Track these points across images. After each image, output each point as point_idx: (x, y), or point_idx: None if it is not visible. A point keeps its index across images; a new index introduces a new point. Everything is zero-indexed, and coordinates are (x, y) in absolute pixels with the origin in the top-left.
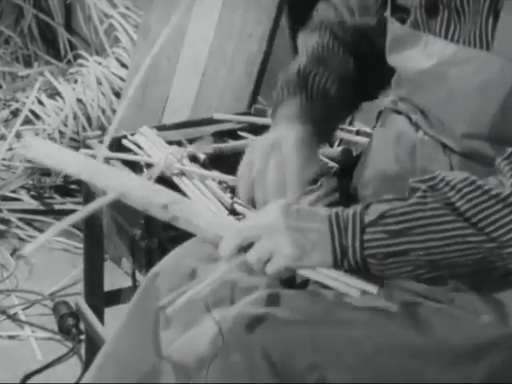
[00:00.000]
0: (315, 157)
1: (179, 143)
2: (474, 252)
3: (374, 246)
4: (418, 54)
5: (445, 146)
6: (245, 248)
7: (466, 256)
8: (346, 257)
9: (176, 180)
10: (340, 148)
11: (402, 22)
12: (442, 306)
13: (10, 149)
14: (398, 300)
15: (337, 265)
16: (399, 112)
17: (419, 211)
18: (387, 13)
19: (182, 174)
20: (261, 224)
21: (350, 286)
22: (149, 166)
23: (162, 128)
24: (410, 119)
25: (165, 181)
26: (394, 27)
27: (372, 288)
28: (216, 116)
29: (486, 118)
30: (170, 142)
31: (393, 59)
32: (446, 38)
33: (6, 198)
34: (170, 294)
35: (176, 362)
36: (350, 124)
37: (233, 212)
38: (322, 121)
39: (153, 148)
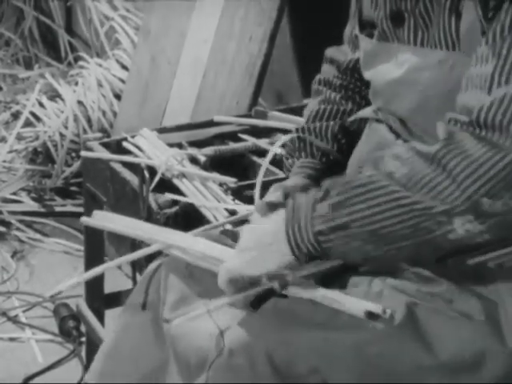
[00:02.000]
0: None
1: (180, 145)
2: (408, 217)
3: (321, 221)
4: (389, 64)
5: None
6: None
7: (401, 223)
8: (301, 239)
9: (176, 182)
10: None
11: (371, 36)
12: (440, 308)
13: (11, 151)
14: (395, 300)
15: (293, 251)
16: (381, 121)
17: (357, 180)
18: (356, 30)
19: (183, 175)
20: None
21: (355, 307)
22: (149, 168)
23: (162, 130)
24: (390, 127)
25: (165, 183)
26: (364, 43)
27: (377, 308)
28: (216, 118)
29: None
30: (171, 145)
31: (367, 74)
32: (415, 44)
33: (6, 200)
34: (176, 310)
35: (180, 360)
36: None
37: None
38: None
39: (153, 150)
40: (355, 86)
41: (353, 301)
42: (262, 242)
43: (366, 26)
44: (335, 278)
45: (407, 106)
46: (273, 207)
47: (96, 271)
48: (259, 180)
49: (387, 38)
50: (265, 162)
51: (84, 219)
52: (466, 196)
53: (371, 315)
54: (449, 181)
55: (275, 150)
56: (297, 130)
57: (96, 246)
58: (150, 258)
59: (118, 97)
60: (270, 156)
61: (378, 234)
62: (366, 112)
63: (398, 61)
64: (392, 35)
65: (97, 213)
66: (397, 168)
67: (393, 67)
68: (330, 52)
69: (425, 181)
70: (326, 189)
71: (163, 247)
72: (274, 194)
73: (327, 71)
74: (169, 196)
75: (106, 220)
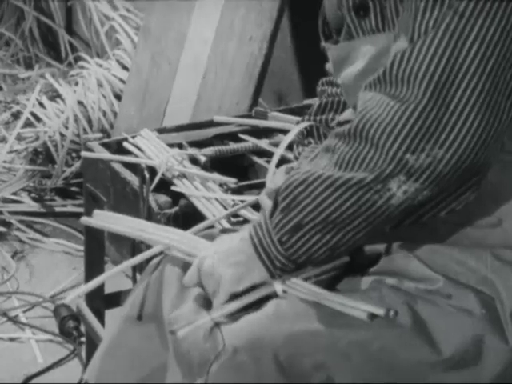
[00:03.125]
0: None
1: (180, 146)
2: (347, 195)
3: (278, 229)
4: (353, 60)
5: None
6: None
7: (344, 202)
8: (272, 255)
9: (177, 182)
10: None
11: (336, 43)
12: (440, 304)
13: (11, 151)
14: (395, 300)
15: (269, 270)
16: None
17: (296, 180)
18: (322, 43)
19: (183, 176)
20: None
21: (358, 309)
22: (150, 168)
23: (162, 130)
24: None
25: (165, 183)
26: (331, 51)
27: (379, 310)
28: (216, 118)
29: None
30: (171, 145)
31: (339, 80)
32: (374, 32)
33: (6, 200)
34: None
35: (182, 359)
36: None
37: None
38: None
39: (154, 150)
40: None
41: (355, 303)
42: (250, 255)
43: (331, 35)
44: (338, 281)
45: None
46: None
47: (102, 279)
48: (272, 165)
49: (352, 34)
50: (279, 150)
51: (84, 219)
52: (389, 158)
53: (374, 318)
54: (369, 148)
55: (289, 139)
56: (302, 119)
57: (96, 246)
58: (151, 260)
59: (118, 97)
60: (284, 144)
61: (330, 220)
62: (345, 115)
63: (361, 54)
64: (357, 29)
65: (97, 212)
66: (329, 158)
67: (358, 63)
68: (328, 66)
69: (350, 157)
70: (274, 199)
71: (163, 248)
72: (283, 177)
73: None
74: (177, 189)
75: (106, 219)
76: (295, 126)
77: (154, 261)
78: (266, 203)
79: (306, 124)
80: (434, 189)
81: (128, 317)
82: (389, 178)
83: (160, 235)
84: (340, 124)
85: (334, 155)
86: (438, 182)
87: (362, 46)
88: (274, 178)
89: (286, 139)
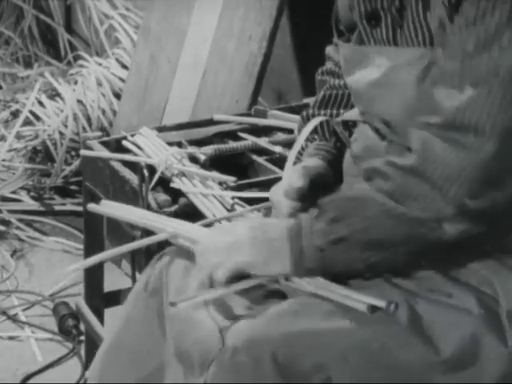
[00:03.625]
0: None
1: (179, 144)
2: (400, 225)
3: (320, 236)
4: (366, 66)
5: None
6: None
7: (395, 230)
8: (304, 256)
9: (176, 181)
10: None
11: (349, 41)
12: (440, 303)
13: (10, 150)
14: (396, 298)
15: (295, 268)
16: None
17: (349, 195)
18: (335, 39)
19: (183, 174)
20: (225, 242)
21: (358, 301)
22: (149, 166)
23: (162, 129)
24: (375, 129)
25: (165, 181)
26: (342, 49)
27: (380, 302)
28: (216, 117)
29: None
30: (170, 143)
31: (348, 80)
32: (390, 44)
33: (6, 199)
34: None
35: (183, 357)
36: None
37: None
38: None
39: (153, 149)
40: None
41: (356, 295)
42: (273, 244)
43: (344, 33)
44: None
45: (388, 108)
46: (300, 193)
47: (96, 259)
48: (291, 157)
49: (363, 40)
50: (296, 145)
51: (91, 206)
52: (449, 201)
53: (374, 310)
54: (430, 189)
55: (306, 133)
56: (305, 115)
57: (96, 245)
58: (150, 253)
59: (117, 96)
60: (302, 138)
61: (375, 241)
62: (352, 114)
63: (375, 63)
64: (368, 37)
65: (104, 202)
66: (382, 182)
67: (371, 70)
68: (329, 50)
69: (408, 192)
70: (321, 206)
71: (169, 236)
72: (294, 176)
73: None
74: (175, 185)
75: (112, 208)
76: (312, 120)
77: (157, 256)
78: (283, 202)
79: (321, 119)
80: (487, 227)
81: (131, 309)
82: (446, 219)
83: (165, 224)
84: (345, 124)
85: (387, 182)
86: (493, 222)
87: (375, 56)
88: (290, 176)
89: (305, 132)
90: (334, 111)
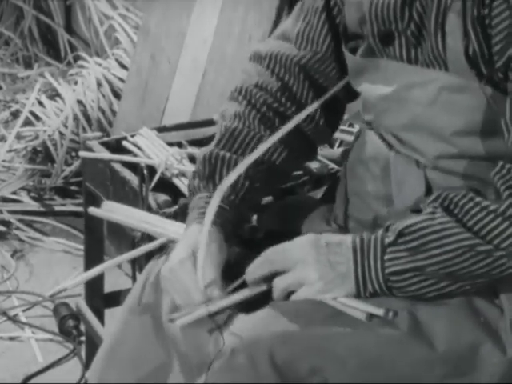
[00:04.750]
0: (224, 249)
1: (179, 144)
2: (483, 260)
3: (396, 263)
4: (377, 80)
5: (418, 161)
6: (269, 278)
7: (476, 264)
8: (370, 279)
9: (176, 181)
10: (340, 149)
11: (355, 50)
12: (440, 309)
13: (10, 150)
14: (396, 304)
15: (359, 290)
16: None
17: (430, 226)
18: (343, 47)
19: (183, 175)
20: (292, 257)
21: (357, 309)
22: (149, 167)
23: (162, 129)
24: (382, 137)
25: (165, 182)
26: (349, 60)
27: (378, 311)
28: (216, 117)
29: (453, 136)
30: (171, 144)
31: (356, 86)
32: (408, 60)
33: (6, 200)
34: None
35: (182, 360)
36: (350, 125)
37: None
38: (236, 208)
39: (153, 149)
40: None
41: (355, 303)
42: (337, 269)
43: (350, 40)
44: None
45: (397, 122)
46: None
47: (99, 269)
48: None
49: (375, 53)
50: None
51: (92, 209)
52: None
53: (372, 319)
54: None
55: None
56: (207, 156)
57: (96, 246)
58: (150, 256)
59: (117, 96)
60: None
61: (453, 274)
62: (355, 118)
63: (387, 76)
64: (381, 52)
65: (106, 203)
66: (462, 216)
67: (382, 83)
68: (285, 29)
69: (497, 232)
70: (397, 233)
71: (168, 241)
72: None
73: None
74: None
75: (114, 210)
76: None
77: (150, 265)
78: (192, 288)
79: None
80: None
81: (128, 316)
82: None
83: (166, 228)
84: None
85: (468, 218)
86: None
87: (389, 69)
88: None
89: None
90: (239, 156)
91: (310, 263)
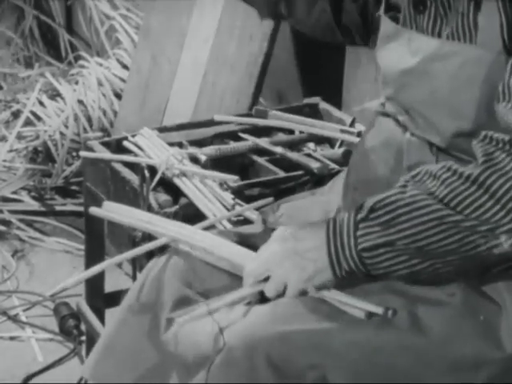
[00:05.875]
0: None
1: (180, 145)
2: (453, 233)
3: (368, 239)
4: (402, 51)
5: (431, 145)
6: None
7: (447, 238)
8: (344, 257)
9: (177, 181)
10: (341, 150)
11: (394, 20)
12: (440, 308)
13: (11, 150)
14: (396, 304)
15: (334, 270)
16: (387, 114)
17: (401, 200)
18: (381, 11)
19: (183, 174)
20: (264, 258)
21: (356, 307)
22: (150, 167)
23: (163, 129)
24: (397, 121)
25: (166, 182)
26: (385, 25)
27: (377, 309)
28: (217, 117)
29: (471, 112)
30: (171, 144)
31: (380, 57)
32: (432, 33)
33: (6, 199)
34: (180, 309)
35: (178, 359)
36: (351, 126)
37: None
38: None
39: (154, 149)
40: None
41: (354, 301)
42: (308, 256)
43: (390, 9)
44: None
45: (416, 97)
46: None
47: (99, 268)
48: None
49: (407, 24)
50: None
51: (92, 209)
52: (507, 213)
53: (372, 317)
54: (492, 202)
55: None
56: None
57: (97, 245)
58: (151, 255)
59: (118, 96)
60: None
61: (425, 249)
62: (372, 104)
63: (412, 49)
64: (412, 22)
65: (107, 203)
66: (437, 187)
67: (406, 55)
68: None
69: (469, 201)
70: (368, 208)
71: (170, 241)
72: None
73: None
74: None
75: (114, 211)
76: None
77: (150, 264)
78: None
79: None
80: None
81: (127, 307)
82: (503, 232)
83: (167, 228)
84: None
85: (444, 187)
86: None
87: (415, 41)
88: (332, 187)
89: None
90: None
91: (280, 259)
